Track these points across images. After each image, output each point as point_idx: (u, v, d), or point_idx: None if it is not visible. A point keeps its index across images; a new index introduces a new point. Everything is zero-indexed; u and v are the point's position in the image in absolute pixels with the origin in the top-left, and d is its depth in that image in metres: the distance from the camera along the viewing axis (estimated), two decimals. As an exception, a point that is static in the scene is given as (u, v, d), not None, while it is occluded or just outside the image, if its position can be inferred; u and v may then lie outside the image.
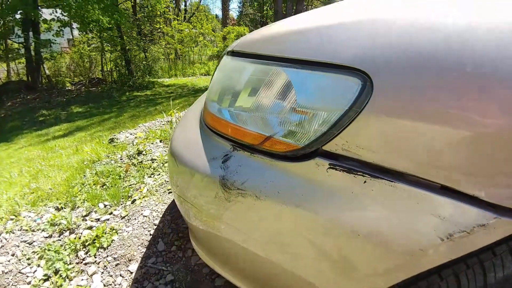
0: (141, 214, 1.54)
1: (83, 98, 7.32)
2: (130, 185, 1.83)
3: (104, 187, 1.85)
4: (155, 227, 1.45)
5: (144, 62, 9.58)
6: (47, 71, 8.45)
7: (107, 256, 1.34)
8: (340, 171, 0.51)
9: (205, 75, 11.02)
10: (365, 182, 0.49)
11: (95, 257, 1.35)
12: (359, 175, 0.49)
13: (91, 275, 1.27)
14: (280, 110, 0.58)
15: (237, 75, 0.71)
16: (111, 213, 1.59)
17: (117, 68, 8.87)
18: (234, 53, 0.75)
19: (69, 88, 8.38)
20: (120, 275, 1.25)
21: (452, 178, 0.43)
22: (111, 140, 2.70)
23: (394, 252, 0.47)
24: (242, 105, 0.67)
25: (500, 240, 0.47)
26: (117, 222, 1.52)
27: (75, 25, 8.58)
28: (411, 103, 0.44)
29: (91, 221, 1.59)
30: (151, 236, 1.41)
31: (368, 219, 0.49)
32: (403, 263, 0.47)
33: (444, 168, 0.43)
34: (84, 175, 2.04)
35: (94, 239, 1.41)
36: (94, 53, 9.11)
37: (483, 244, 0.42)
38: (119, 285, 1.22)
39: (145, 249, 1.35)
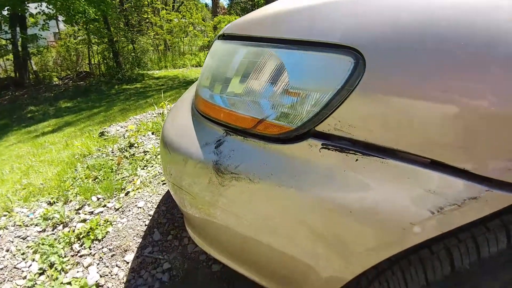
0: (136, 205, 1.54)
1: (71, 93, 7.16)
2: (123, 177, 1.81)
3: (96, 180, 1.83)
4: (150, 217, 1.45)
5: (132, 54, 9.37)
6: (34, 67, 8.22)
7: (102, 247, 1.34)
8: (332, 150, 0.52)
9: (196, 66, 10.86)
10: (357, 160, 0.50)
11: (90, 249, 1.35)
12: (351, 153, 0.50)
13: (87, 267, 1.27)
14: (273, 92, 0.58)
15: (228, 59, 0.70)
16: (104, 206, 1.58)
17: (105, 61, 8.67)
18: (226, 37, 0.74)
19: (57, 83, 8.18)
20: (117, 266, 1.26)
21: (443, 153, 0.43)
22: (102, 134, 2.66)
23: (385, 227, 0.48)
24: (234, 89, 0.66)
25: (492, 214, 0.49)
26: (111, 214, 1.52)
27: (61, 18, 8.33)
28: (401, 80, 0.45)
29: (85, 214, 1.58)
30: (147, 226, 1.41)
31: (360, 196, 0.49)
32: (395, 238, 0.48)
33: (434, 143, 0.44)
34: (75, 169, 2.02)
35: (89, 232, 1.41)
36: (80, 46, 8.88)
37: (475, 217, 0.43)
38: (115, 275, 1.22)
39: (141, 239, 1.36)
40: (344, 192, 0.51)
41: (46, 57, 8.90)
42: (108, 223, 1.44)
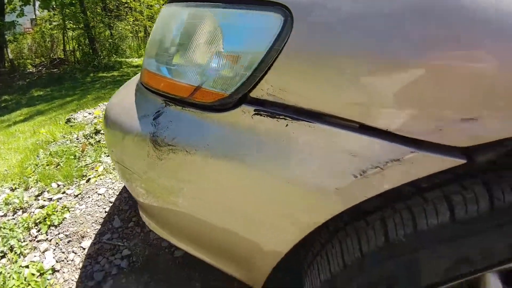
0: (96, 192, 1.48)
1: (44, 81, 6.84)
2: (86, 164, 1.74)
3: (58, 167, 1.75)
4: (110, 204, 1.40)
5: (110, 40, 9.01)
6: (10, 55, 7.79)
7: (59, 233, 1.28)
8: (264, 116, 0.49)
9: (177, 55, 10.57)
10: (287, 125, 0.47)
11: (47, 235, 1.29)
12: (282, 118, 0.47)
13: (43, 252, 1.23)
14: (208, 57, 0.55)
15: (170, 24, 0.66)
16: (64, 192, 1.52)
17: (80, 47, 8.30)
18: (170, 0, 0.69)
19: (31, 70, 7.80)
20: (73, 252, 1.21)
21: (366, 115, 0.41)
22: (68, 120, 2.54)
23: (314, 193, 0.46)
24: (174, 56, 0.62)
25: (432, 185, 0.47)
26: (69, 200, 1.46)
27: (38, 3, 7.88)
28: (326, 39, 0.42)
29: (44, 200, 1.51)
30: (106, 213, 1.36)
31: (290, 162, 0.47)
32: (324, 204, 0.46)
33: (358, 104, 0.41)
34: (38, 156, 1.92)
35: (45, 217, 1.35)
36: (55, 32, 8.45)
37: (401, 182, 0.41)
38: (71, 261, 1.18)
39: (100, 226, 1.31)
40: (276, 159, 0.48)
41: (21, 44, 8.45)
42: (66, 209, 1.38)
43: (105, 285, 1.09)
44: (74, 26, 8.14)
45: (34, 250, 1.23)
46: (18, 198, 1.45)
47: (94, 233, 1.28)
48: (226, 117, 0.54)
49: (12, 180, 1.71)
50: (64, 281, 1.11)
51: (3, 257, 1.20)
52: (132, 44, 10.48)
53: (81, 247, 1.23)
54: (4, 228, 1.30)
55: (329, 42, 0.42)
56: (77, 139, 2.12)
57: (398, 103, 0.39)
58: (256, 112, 0.50)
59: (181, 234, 0.77)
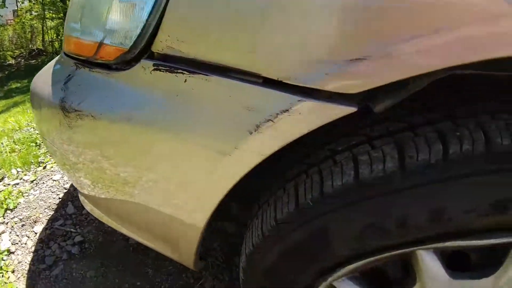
0: (51, 178, 1.44)
1: (22, 72, 6.66)
2: (45, 151, 1.69)
3: (19, 154, 1.70)
4: (65, 191, 1.36)
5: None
6: None
7: (14, 217, 1.26)
8: (163, 72, 0.45)
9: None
10: (185, 81, 0.43)
11: (4, 218, 1.26)
12: (180, 73, 0.43)
13: (0, 234, 1.19)
14: (106, 8, 0.50)
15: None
16: (21, 178, 1.48)
17: (59, 37, 8.05)
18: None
19: (10, 62, 7.58)
20: (26, 236, 1.19)
21: (256, 64, 0.37)
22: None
23: (215, 154, 0.43)
24: (81, 14, 0.57)
25: (342, 148, 0.44)
26: (25, 186, 1.41)
27: None
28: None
29: (3, 185, 1.47)
30: (60, 199, 1.32)
31: (189, 121, 0.43)
32: (226, 166, 0.43)
33: (249, 52, 0.37)
34: (2, 143, 1.86)
35: (2, 202, 1.30)
36: (35, 22, 8.18)
37: (294, 136, 0.37)
38: (25, 244, 1.16)
39: (53, 211, 1.27)
40: (175, 119, 0.44)
41: (2, 35, 8.18)
42: (21, 194, 1.34)
43: (55, 269, 1.06)
44: (54, 16, 7.89)
45: (-8, 232, 1.20)
46: (-21, 183, 1.41)
47: (46, 219, 1.24)
48: (128, 76, 0.49)
49: (-25, 166, 1.65)
50: (18, 263, 1.09)
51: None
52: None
53: (33, 231, 1.20)
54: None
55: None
56: (42, 126, 2.06)
57: (283, 48, 0.35)
58: (155, 67, 0.45)
59: (110, 211, 0.73)
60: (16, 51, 8.09)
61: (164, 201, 0.55)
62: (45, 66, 0.83)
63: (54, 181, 1.41)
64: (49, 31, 8.18)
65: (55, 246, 1.13)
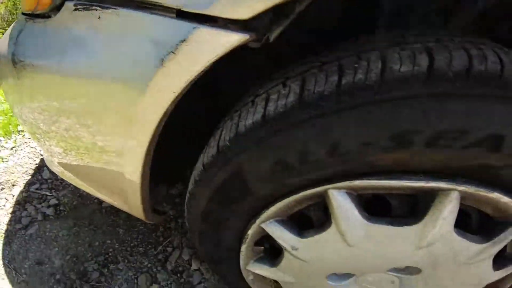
0: (28, 145, 1.48)
1: None
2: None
3: (1, 123, 1.71)
4: (41, 157, 1.39)
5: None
6: None
7: (-8, 182, 1.28)
8: (81, 10, 0.45)
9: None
10: (99, 17, 0.43)
11: (-15, 182, 1.29)
12: (94, 9, 0.44)
13: None
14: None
15: None
16: (2, 146, 1.50)
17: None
18: None
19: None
20: (5, 198, 1.23)
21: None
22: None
23: (132, 94, 0.43)
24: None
25: (262, 91, 0.44)
26: (5, 152, 1.45)
27: None
28: None
29: (-14, 153, 1.49)
30: (36, 165, 1.35)
31: (108, 58, 0.44)
32: (143, 105, 0.44)
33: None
34: (-16, 114, 1.87)
35: (-16, 167, 1.33)
36: (27, -2, 7.95)
37: (198, 67, 0.38)
38: (3, 206, 1.21)
39: (30, 176, 1.30)
40: (93, 57, 0.45)
41: None
42: (0, 159, 1.37)
43: (31, 229, 1.10)
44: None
45: (-28, 194, 1.23)
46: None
47: (23, 183, 1.27)
48: (57, 20, 0.50)
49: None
50: (-4, 223, 1.12)
51: None
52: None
53: (11, 194, 1.24)
54: None
55: None
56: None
57: None
58: (75, 7, 0.45)
59: (74, 172, 0.75)
60: (7, 28, 7.94)
61: (104, 154, 0.56)
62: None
63: (32, 148, 1.44)
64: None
65: (31, 208, 1.17)
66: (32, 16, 0.57)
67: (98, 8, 0.42)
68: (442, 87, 0.32)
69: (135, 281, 0.94)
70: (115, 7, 0.41)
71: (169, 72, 0.39)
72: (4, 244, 1.07)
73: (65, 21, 0.48)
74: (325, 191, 0.44)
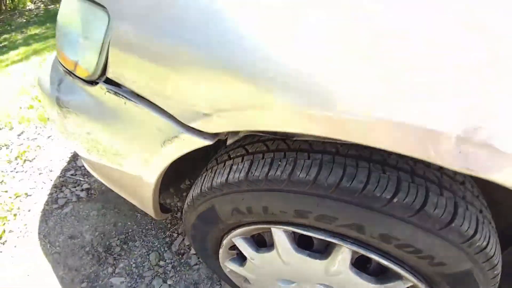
0: None
1: (41, 18, 6.73)
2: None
3: (37, 111, 1.97)
4: None
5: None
6: None
7: (32, 167, 1.56)
8: (112, 94, 0.65)
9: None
10: (125, 103, 0.64)
11: (23, 167, 1.57)
12: (122, 97, 0.64)
13: (20, 181, 1.52)
14: (77, 40, 0.69)
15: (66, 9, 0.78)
16: (39, 134, 1.77)
17: (79, -19, 7.92)
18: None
19: (30, 7, 7.65)
20: (43, 182, 1.49)
21: (162, 101, 0.57)
22: (52, 64, 2.69)
23: (145, 153, 0.65)
24: (67, 34, 0.75)
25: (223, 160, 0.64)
26: (42, 140, 1.71)
27: None
28: (140, 37, 0.55)
29: (23, 139, 1.76)
30: (71, 153, 1.61)
31: (127, 130, 0.65)
32: (155, 158, 0.65)
33: (158, 92, 0.57)
34: (21, 100, 2.14)
35: (22, 154, 1.61)
36: (52, -38, 8.01)
37: (182, 151, 0.59)
38: (41, 189, 1.47)
39: (65, 163, 1.56)
40: (119, 125, 0.66)
41: None
42: (39, 147, 1.64)
43: (66, 208, 1.38)
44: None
45: (13, 179, 1.52)
46: (2, 137, 1.72)
47: (60, 169, 1.54)
48: (94, 90, 0.70)
49: (1, 121, 1.96)
50: (34, 203, 1.41)
51: (-8, 182, 1.49)
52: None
53: (49, 179, 1.51)
54: (-9, 160, 1.58)
55: (142, 40, 0.56)
56: (57, 84, 2.31)
57: (172, 95, 0.55)
58: (108, 90, 0.66)
59: (100, 173, 0.99)
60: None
61: (128, 168, 0.79)
62: (46, 62, 1.03)
63: (66, 138, 1.71)
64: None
65: (67, 191, 1.44)
66: (70, 72, 0.78)
67: (124, 98, 0.62)
68: (322, 190, 0.51)
69: (148, 257, 1.22)
70: (136, 102, 0.61)
71: (166, 149, 0.60)
72: (41, 221, 1.33)
73: (99, 95, 0.68)
74: (269, 228, 0.66)
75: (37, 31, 5.84)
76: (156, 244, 1.26)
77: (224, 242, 0.77)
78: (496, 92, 0.33)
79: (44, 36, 5.49)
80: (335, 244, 0.59)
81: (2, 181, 1.51)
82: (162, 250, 1.23)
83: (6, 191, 1.45)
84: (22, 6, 7.67)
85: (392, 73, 0.37)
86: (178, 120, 0.56)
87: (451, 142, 0.34)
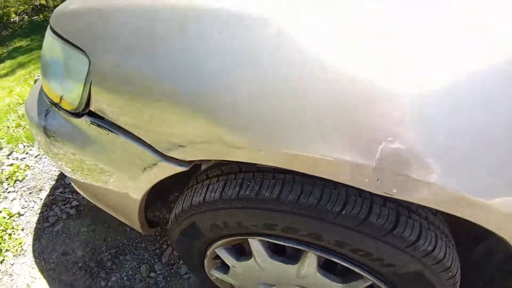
0: None
1: (25, 30, 6.70)
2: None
3: (24, 129, 2.00)
4: None
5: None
6: None
7: (23, 186, 1.60)
8: (95, 126, 0.71)
9: None
10: (108, 134, 0.70)
11: (14, 188, 1.60)
12: (104, 129, 0.70)
13: (12, 200, 1.55)
14: (61, 76, 0.75)
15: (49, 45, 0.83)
16: (27, 153, 1.80)
17: (61, -8, 7.89)
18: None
19: (14, 19, 7.58)
20: (33, 201, 1.53)
21: (144, 137, 0.64)
22: (36, 82, 2.71)
23: (128, 177, 0.72)
24: (50, 71, 0.81)
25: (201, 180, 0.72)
26: (31, 160, 1.74)
27: None
28: (118, 76, 0.62)
29: (13, 159, 1.79)
30: (59, 172, 1.64)
31: (110, 158, 0.71)
32: (138, 181, 0.72)
33: (140, 126, 0.64)
34: (8, 119, 2.16)
35: (13, 174, 1.64)
36: (35, -27, 7.96)
37: (161, 176, 0.66)
38: (32, 208, 1.51)
39: (54, 181, 1.61)
40: (101, 155, 0.73)
41: None
42: (27, 167, 1.68)
43: (57, 226, 1.43)
44: (52, -32, 7.64)
45: (5, 199, 1.56)
46: (-9, 157, 1.75)
47: (49, 187, 1.58)
48: (78, 122, 0.76)
49: (-12, 141, 1.98)
50: (27, 222, 1.45)
51: (-19, 205, 1.52)
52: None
53: (39, 197, 1.55)
54: (-19, 182, 1.60)
55: (118, 79, 0.62)
56: (43, 102, 2.34)
57: (149, 128, 0.61)
58: (91, 122, 0.72)
59: (87, 191, 1.05)
60: (21, 7, 8.02)
61: (113, 187, 0.85)
62: (33, 89, 1.08)
63: (54, 157, 1.75)
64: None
65: (57, 209, 1.49)
66: (55, 105, 0.83)
67: (107, 130, 0.69)
68: (284, 206, 0.58)
69: (138, 269, 1.27)
70: (117, 133, 0.67)
71: (148, 174, 0.66)
72: (34, 240, 1.38)
73: (84, 126, 0.73)
74: (246, 238, 0.73)
75: (21, 43, 5.82)
76: (147, 256, 1.31)
77: (208, 253, 0.84)
78: (403, 134, 0.41)
79: (29, 48, 5.48)
80: (302, 250, 0.66)
81: (-6, 202, 1.54)
82: (153, 261, 1.29)
83: (0, 211, 1.48)
84: (6, 18, 7.59)
85: (328, 120, 0.45)
86: (156, 149, 0.63)
87: (370, 173, 0.42)
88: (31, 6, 7.78)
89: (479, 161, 0.41)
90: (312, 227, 0.58)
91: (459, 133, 0.41)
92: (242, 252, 0.82)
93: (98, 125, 0.70)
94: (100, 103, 0.68)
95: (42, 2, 8.06)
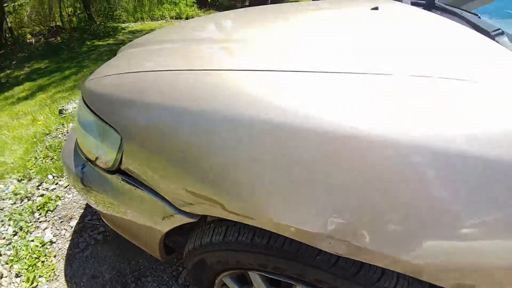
0: None
1: (42, 52, 7.03)
2: (74, 157, 2.20)
3: (52, 160, 2.22)
4: None
5: (105, 4, 8.91)
6: (10, 24, 7.87)
7: (54, 216, 1.80)
8: (125, 182, 0.90)
9: (176, 18, 10.33)
10: (135, 189, 0.88)
11: (46, 217, 1.81)
12: (133, 186, 0.88)
13: (44, 229, 1.75)
14: (96, 143, 0.94)
15: (82, 114, 1.03)
16: (57, 183, 2.01)
17: (76, 13, 8.30)
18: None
19: (30, 40, 7.97)
20: (64, 229, 1.73)
21: (164, 194, 0.81)
22: (60, 112, 2.95)
23: (150, 224, 0.89)
24: (86, 135, 1.01)
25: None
26: (61, 190, 1.95)
27: None
28: (143, 146, 0.80)
29: (43, 190, 2.01)
30: (87, 200, 1.85)
31: (140, 208, 0.90)
32: (160, 224, 0.89)
33: (164, 187, 0.81)
34: (36, 150, 2.39)
35: (44, 204, 1.85)
36: (51, -3, 8.39)
37: (177, 224, 0.83)
38: (63, 235, 1.70)
39: (83, 210, 1.80)
40: (133, 206, 0.91)
41: (21, 13, 8.47)
42: (58, 198, 1.88)
43: (86, 251, 1.62)
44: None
45: (37, 228, 1.76)
46: (23, 189, 1.96)
47: (78, 215, 1.78)
48: (111, 178, 0.94)
49: (18, 172, 2.20)
50: (59, 249, 1.64)
51: (15, 234, 1.72)
52: (129, 6, 10.28)
53: (70, 225, 1.75)
54: (15, 213, 1.81)
55: (145, 149, 0.80)
56: (67, 132, 2.57)
57: (167, 188, 0.79)
58: (122, 180, 0.90)
59: (116, 225, 1.23)
60: (36, 28, 8.42)
61: (135, 224, 1.03)
62: (68, 139, 1.28)
63: (81, 187, 1.95)
64: (66, 7, 8.38)
65: (86, 235, 1.68)
66: (92, 161, 1.02)
67: (135, 187, 0.87)
68: (273, 251, 0.74)
69: (159, 290, 1.45)
70: (143, 189, 0.86)
71: (166, 221, 0.84)
72: (66, 265, 1.56)
73: (116, 181, 0.92)
74: (247, 272, 0.89)
75: (40, 65, 6.09)
76: (165, 277, 1.49)
77: (217, 281, 1.01)
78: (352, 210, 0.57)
79: (48, 71, 5.75)
80: (292, 284, 0.83)
81: (28, 231, 1.75)
82: (170, 283, 1.46)
83: (33, 240, 1.69)
84: (22, 39, 8.00)
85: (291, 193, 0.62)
86: (172, 204, 0.80)
87: (324, 238, 0.58)
88: (47, 28, 8.20)
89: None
90: (294, 268, 0.74)
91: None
92: (245, 281, 0.98)
93: (127, 182, 0.89)
94: (130, 166, 0.86)
95: (58, 24, 8.49)
